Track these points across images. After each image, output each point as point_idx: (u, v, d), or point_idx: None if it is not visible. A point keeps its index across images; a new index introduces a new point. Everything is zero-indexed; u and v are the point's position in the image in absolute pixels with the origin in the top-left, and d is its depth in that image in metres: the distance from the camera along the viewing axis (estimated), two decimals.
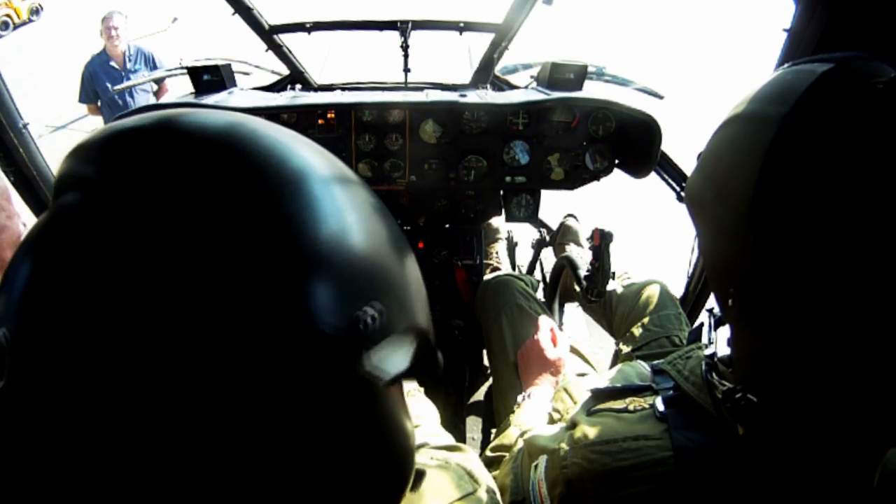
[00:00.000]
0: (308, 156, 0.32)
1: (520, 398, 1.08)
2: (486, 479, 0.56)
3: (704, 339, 0.61)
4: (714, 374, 0.56)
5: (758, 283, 0.43)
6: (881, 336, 0.38)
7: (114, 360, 0.24)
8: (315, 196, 0.30)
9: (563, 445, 0.65)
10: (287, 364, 0.26)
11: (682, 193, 1.68)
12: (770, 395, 0.47)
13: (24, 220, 0.77)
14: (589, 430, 0.63)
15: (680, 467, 0.54)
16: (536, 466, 0.68)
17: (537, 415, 1.00)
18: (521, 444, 0.84)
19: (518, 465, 0.77)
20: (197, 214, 0.27)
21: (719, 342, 0.57)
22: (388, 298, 0.31)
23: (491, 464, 0.91)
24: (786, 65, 0.49)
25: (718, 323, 0.60)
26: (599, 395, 0.71)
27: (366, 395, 0.30)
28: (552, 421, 0.96)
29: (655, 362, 0.72)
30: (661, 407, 0.59)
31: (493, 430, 1.17)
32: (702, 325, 0.64)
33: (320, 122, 1.73)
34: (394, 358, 0.30)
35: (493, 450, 0.95)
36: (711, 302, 0.64)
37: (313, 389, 0.27)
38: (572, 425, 0.68)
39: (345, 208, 0.31)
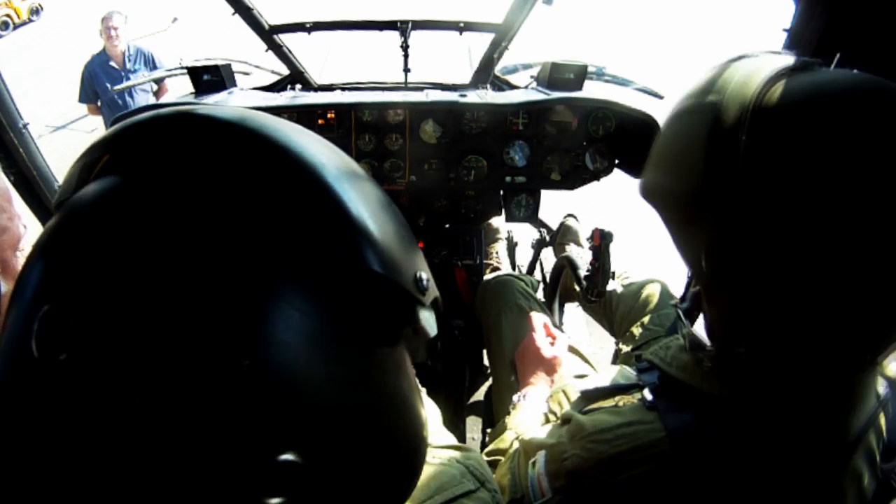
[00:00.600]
0: (331, 152, 0.35)
1: (515, 398, 1.08)
2: (489, 478, 0.57)
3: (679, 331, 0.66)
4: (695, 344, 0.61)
5: (723, 244, 0.50)
6: (831, 272, 0.45)
7: (179, 325, 0.25)
8: (346, 179, 0.33)
9: (562, 439, 0.68)
10: (361, 309, 0.30)
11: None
12: (754, 345, 0.52)
13: (25, 221, 0.77)
14: (585, 424, 0.66)
15: (673, 446, 0.56)
16: (534, 463, 0.70)
17: (533, 416, 1.00)
18: (516, 445, 0.84)
19: (515, 464, 0.78)
20: (249, 197, 0.29)
21: (696, 329, 0.63)
22: (426, 269, 0.34)
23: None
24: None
25: (686, 313, 0.68)
26: (589, 396, 0.74)
27: (402, 358, 0.34)
28: (547, 422, 0.97)
29: (640, 363, 0.73)
30: (649, 397, 0.62)
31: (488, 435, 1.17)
32: (677, 320, 0.70)
33: (320, 122, 1.73)
34: (431, 321, 0.34)
35: (488, 454, 0.95)
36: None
37: (382, 334, 0.31)
38: (567, 421, 0.71)
39: (369, 189, 0.35)
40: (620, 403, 0.67)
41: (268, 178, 0.30)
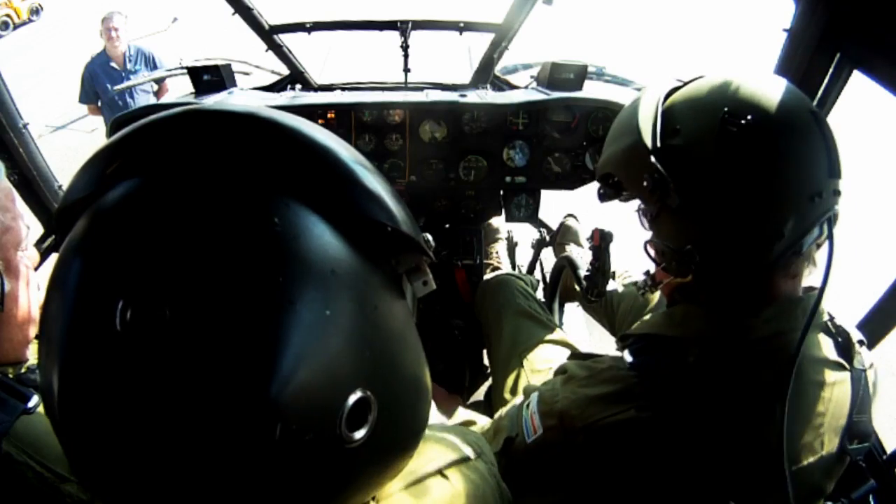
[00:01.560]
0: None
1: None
2: (486, 451, 0.58)
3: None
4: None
5: (660, 167, 0.67)
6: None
7: (236, 293, 0.29)
8: (361, 165, 0.38)
9: (555, 385, 0.78)
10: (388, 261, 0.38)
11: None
12: (701, 247, 0.67)
13: (26, 221, 0.78)
14: (576, 371, 0.77)
15: (641, 380, 0.68)
16: (528, 405, 0.79)
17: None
18: (514, 401, 0.91)
19: (515, 408, 0.85)
20: (270, 183, 0.32)
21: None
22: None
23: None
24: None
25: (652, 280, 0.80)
26: (576, 356, 0.85)
27: (411, 311, 0.41)
28: None
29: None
30: (629, 358, 0.74)
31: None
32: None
33: (320, 122, 1.73)
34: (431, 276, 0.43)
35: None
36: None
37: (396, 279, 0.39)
38: (560, 371, 0.82)
39: (377, 174, 0.40)
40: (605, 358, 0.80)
41: (297, 165, 0.34)
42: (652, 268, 0.78)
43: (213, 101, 1.68)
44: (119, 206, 0.32)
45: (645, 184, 0.69)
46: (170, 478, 0.29)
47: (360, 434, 0.32)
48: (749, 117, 0.62)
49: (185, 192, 0.31)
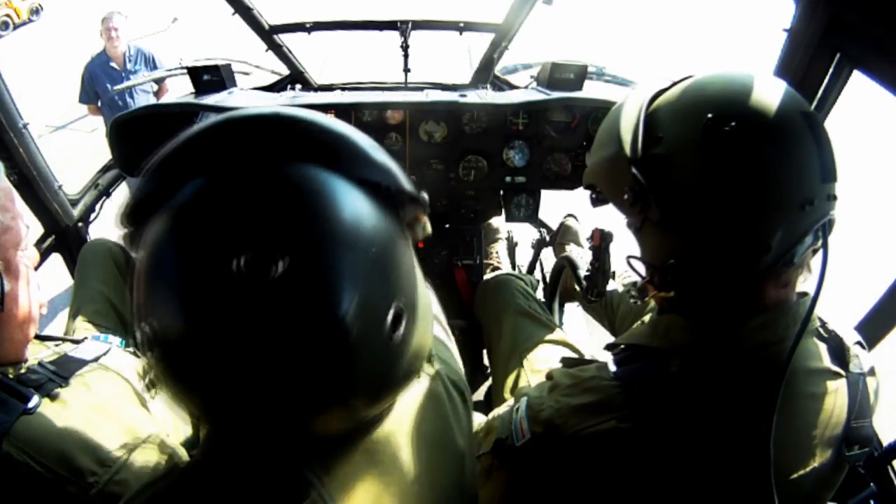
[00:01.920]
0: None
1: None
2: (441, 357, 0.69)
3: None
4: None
5: (641, 179, 0.65)
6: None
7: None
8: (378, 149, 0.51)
9: (542, 392, 0.77)
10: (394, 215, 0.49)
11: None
12: (684, 261, 0.66)
13: (26, 221, 0.78)
14: (561, 379, 0.77)
15: (623, 390, 0.67)
16: (518, 409, 0.78)
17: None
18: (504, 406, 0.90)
19: (507, 411, 0.84)
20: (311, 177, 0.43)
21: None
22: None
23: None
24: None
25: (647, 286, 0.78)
26: (569, 364, 0.84)
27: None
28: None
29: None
30: (612, 367, 0.73)
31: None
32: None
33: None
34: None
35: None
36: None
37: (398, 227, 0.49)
38: (550, 377, 0.81)
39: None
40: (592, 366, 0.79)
41: (340, 152, 0.46)
42: (640, 278, 0.76)
43: (213, 100, 1.68)
44: (225, 186, 0.42)
45: (626, 196, 0.67)
46: (282, 382, 0.40)
47: (398, 334, 0.45)
48: (733, 123, 0.59)
49: (270, 176, 0.42)
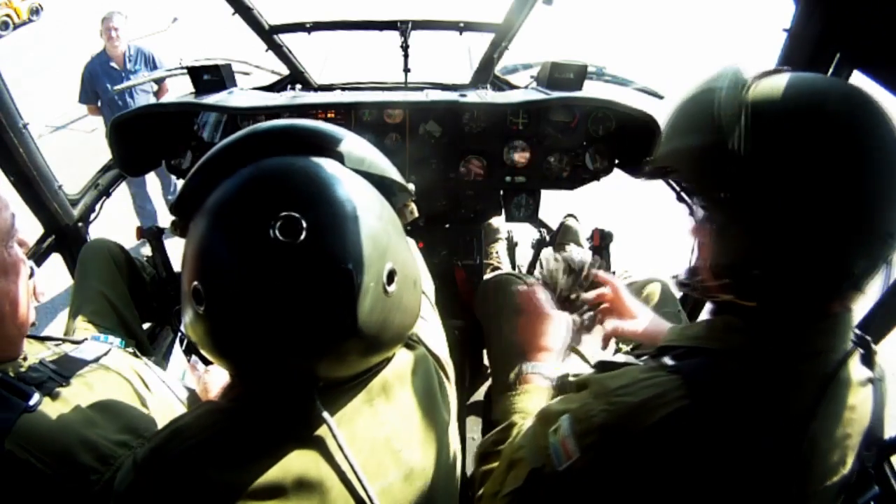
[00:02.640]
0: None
1: (526, 367, 1.01)
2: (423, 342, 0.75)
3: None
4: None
5: (743, 181, 0.60)
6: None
7: None
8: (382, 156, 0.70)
9: (587, 400, 0.72)
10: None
11: (682, 193, 1.68)
12: (768, 269, 0.62)
13: (22, 218, 0.77)
14: (608, 381, 0.72)
15: (689, 388, 0.64)
16: (556, 430, 0.72)
17: (546, 396, 0.95)
18: (528, 423, 0.83)
19: (531, 437, 0.77)
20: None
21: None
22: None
23: (489, 456, 0.88)
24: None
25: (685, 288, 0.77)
26: (606, 366, 0.79)
27: None
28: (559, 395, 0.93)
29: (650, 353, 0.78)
30: (670, 361, 0.69)
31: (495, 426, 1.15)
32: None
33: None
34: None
35: (494, 443, 0.90)
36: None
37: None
38: (583, 386, 0.76)
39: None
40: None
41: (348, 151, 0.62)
42: (691, 270, 0.73)
43: (213, 100, 1.68)
44: (259, 175, 0.55)
45: (722, 195, 0.63)
46: (305, 318, 0.53)
47: (392, 288, 0.58)
48: (856, 149, 0.57)
49: (292, 166, 0.56)
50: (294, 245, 0.50)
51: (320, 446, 0.59)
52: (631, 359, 0.81)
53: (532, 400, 0.94)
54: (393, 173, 0.64)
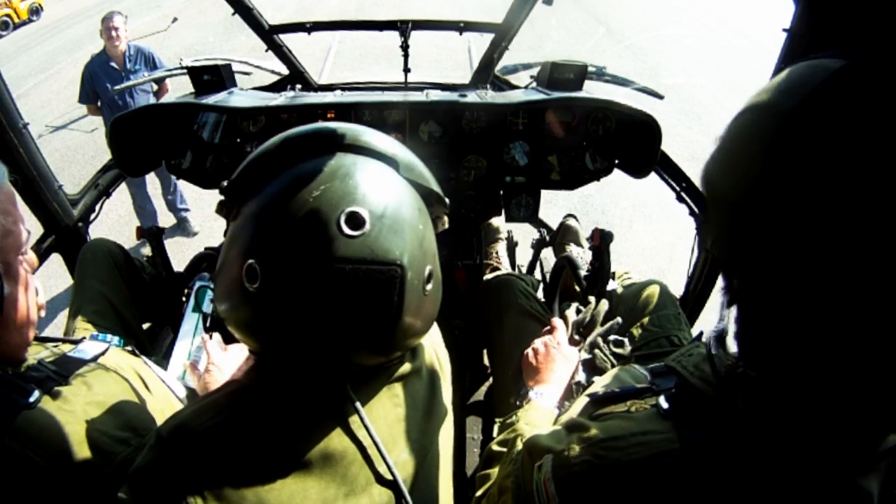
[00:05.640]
0: None
1: (532, 394, 1.05)
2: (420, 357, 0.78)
3: (717, 316, 0.60)
4: (718, 355, 0.59)
5: (758, 264, 0.47)
6: (871, 326, 0.41)
7: None
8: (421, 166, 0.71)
9: (573, 445, 0.65)
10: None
11: (682, 193, 1.69)
12: (767, 370, 0.52)
13: (27, 224, 0.77)
14: (598, 430, 0.64)
15: (687, 458, 0.55)
16: (540, 467, 0.68)
17: (548, 416, 0.99)
18: (520, 445, 0.83)
19: (518, 467, 0.76)
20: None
21: (729, 320, 0.57)
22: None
23: (494, 459, 0.92)
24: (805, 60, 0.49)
25: (729, 302, 0.59)
26: (599, 401, 0.73)
27: None
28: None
29: (654, 365, 0.73)
30: (664, 405, 0.61)
31: (496, 425, 1.15)
32: (701, 333, 0.70)
33: (320, 122, 1.73)
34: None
35: (500, 444, 0.95)
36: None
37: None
38: (575, 427, 0.68)
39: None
40: (633, 409, 0.66)
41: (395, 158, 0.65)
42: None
43: (213, 100, 1.68)
44: (341, 167, 0.60)
45: None
46: (359, 303, 0.56)
47: (429, 287, 0.63)
48: None
49: (358, 166, 0.60)
50: (357, 238, 0.55)
51: (343, 423, 0.64)
52: (627, 379, 0.77)
53: (537, 416, 0.98)
54: (435, 185, 0.70)
